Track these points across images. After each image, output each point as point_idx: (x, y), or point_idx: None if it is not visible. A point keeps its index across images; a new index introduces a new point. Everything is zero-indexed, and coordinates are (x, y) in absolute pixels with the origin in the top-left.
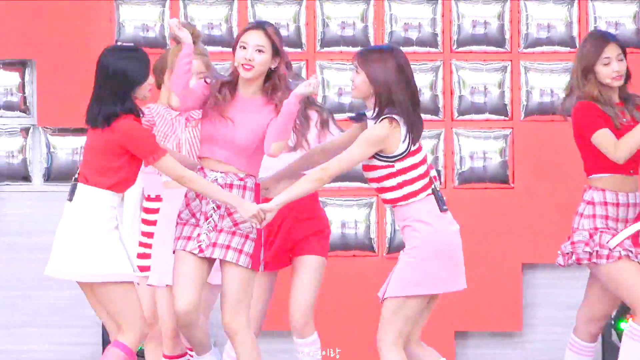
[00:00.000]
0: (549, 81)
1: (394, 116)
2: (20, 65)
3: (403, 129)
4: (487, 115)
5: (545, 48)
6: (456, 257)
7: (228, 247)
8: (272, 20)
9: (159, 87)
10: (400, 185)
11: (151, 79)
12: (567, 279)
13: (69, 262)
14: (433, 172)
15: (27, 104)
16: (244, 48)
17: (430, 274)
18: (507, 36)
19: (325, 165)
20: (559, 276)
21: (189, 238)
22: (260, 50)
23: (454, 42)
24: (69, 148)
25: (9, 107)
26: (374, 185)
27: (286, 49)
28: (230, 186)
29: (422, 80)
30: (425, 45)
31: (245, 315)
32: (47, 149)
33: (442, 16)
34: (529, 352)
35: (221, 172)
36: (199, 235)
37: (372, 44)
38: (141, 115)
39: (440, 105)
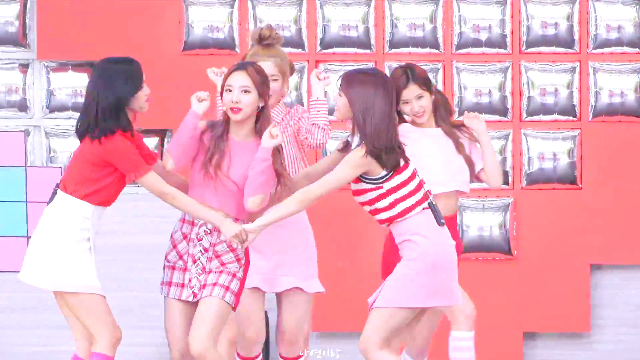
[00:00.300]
0: (617, 82)
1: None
2: (89, 67)
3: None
4: (555, 116)
5: (614, 49)
6: (452, 272)
7: (215, 284)
8: (341, 21)
9: None
10: (392, 205)
11: (146, 90)
12: (636, 280)
13: (39, 269)
14: (426, 186)
15: None
16: (230, 91)
17: (425, 287)
18: (576, 37)
19: (311, 187)
20: (627, 277)
21: (182, 285)
22: (246, 91)
23: (523, 43)
24: None
25: (77, 109)
26: (367, 208)
27: (355, 50)
28: (219, 231)
29: (491, 81)
30: (494, 47)
31: (213, 342)
32: None
33: (512, 17)
34: (598, 353)
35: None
36: (190, 280)
37: (441, 45)
38: (131, 131)
39: (509, 106)
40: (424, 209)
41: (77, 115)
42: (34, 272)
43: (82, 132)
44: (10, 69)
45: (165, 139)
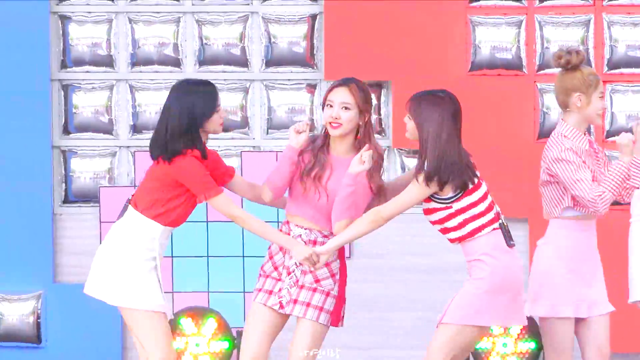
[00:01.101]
0: None
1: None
2: (376, 87)
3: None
4: None
5: None
6: (519, 293)
7: (308, 304)
8: (493, 42)
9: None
10: (462, 225)
11: (223, 113)
12: None
13: (101, 282)
14: (497, 207)
15: (383, 126)
16: (331, 106)
17: (491, 307)
18: None
19: (381, 208)
20: None
21: (270, 292)
22: (346, 108)
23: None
24: None
25: None
26: (437, 227)
27: (506, 71)
28: (314, 242)
29: None
30: None
31: None
32: (402, 170)
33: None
34: None
35: (305, 229)
36: (280, 290)
37: (592, 65)
38: (203, 152)
39: None
40: (494, 229)
41: None
42: (97, 285)
43: (156, 153)
44: (297, 90)
45: None
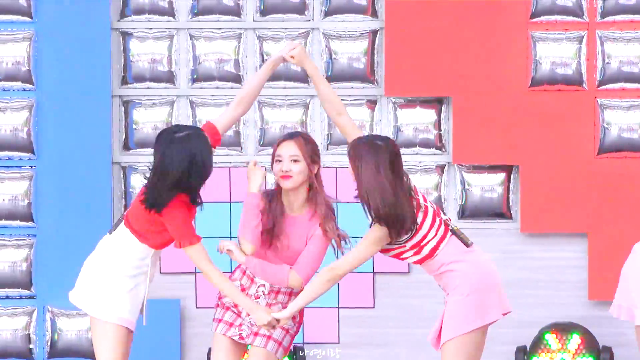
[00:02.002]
0: None
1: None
2: (436, 103)
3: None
4: None
5: None
6: (496, 283)
7: (269, 337)
8: (554, 57)
9: None
10: (419, 251)
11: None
12: None
13: (82, 290)
14: (443, 216)
15: (443, 141)
16: (280, 161)
17: (478, 307)
18: None
19: (336, 266)
20: None
21: (231, 324)
22: (295, 160)
23: None
24: (484, 185)
25: (425, 144)
26: (393, 258)
27: (566, 87)
28: (277, 292)
29: None
30: None
31: None
32: (462, 185)
33: None
34: None
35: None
36: (240, 325)
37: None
38: (198, 203)
39: None
40: (449, 239)
41: (423, 151)
42: (78, 294)
43: (150, 205)
44: (358, 105)
45: (512, 175)
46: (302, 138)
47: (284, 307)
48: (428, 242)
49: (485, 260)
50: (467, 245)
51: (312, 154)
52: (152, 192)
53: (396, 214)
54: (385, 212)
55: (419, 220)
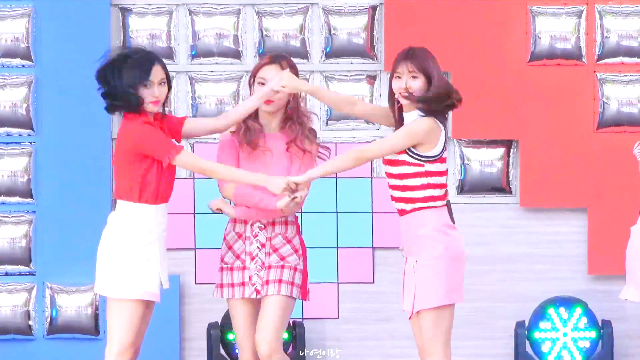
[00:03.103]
0: None
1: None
2: None
3: (443, 132)
4: None
5: None
6: (463, 269)
7: (280, 280)
8: (553, 32)
9: None
10: (423, 187)
11: (155, 91)
12: None
13: (102, 277)
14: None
15: None
16: (262, 84)
17: (454, 284)
18: None
19: (366, 147)
20: None
21: (243, 284)
22: None
23: None
24: (484, 159)
25: None
26: (395, 182)
27: (565, 61)
28: (273, 224)
29: None
30: None
31: (280, 342)
32: (462, 160)
33: None
34: None
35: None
36: (250, 278)
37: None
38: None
39: None
40: (442, 205)
41: None
42: (99, 282)
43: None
44: (357, 81)
45: (511, 150)
46: (286, 62)
47: (284, 238)
48: (435, 186)
49: (462, 241)
50: (453, 221)
51: None
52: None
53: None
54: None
55: (445, 152)
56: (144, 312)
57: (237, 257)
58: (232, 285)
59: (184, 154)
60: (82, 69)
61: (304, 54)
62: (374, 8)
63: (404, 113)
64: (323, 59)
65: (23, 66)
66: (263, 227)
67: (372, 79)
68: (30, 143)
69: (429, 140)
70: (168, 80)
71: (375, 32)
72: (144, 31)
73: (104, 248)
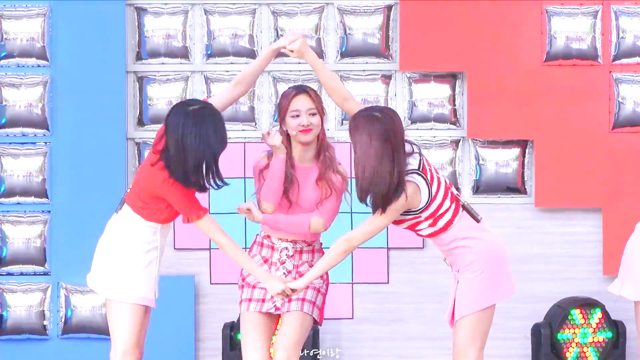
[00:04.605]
0: None
1: (412, 178)
2: (451, 78)
3: (424, 187)
4: None
5: None
6: (506, 258)
7: (304, 300)
8: (569, 32)
9: None
10: (434, 223)
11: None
12: None
13: (98, 274)
14: (454, 190)
15: (457, 116)
16: (298, 116)
17: (491, 284)
18: None
19: (351, 237)
20: None
21: (262, 300)
22: (312, 114)
23: None
24: (499, 160)
25: (440, 119)
26: (408, 231)
27: (581, 61)
28: (301, 252)
29: None
30: None
31: (298, 356)
32: (477, 160)
33: None
34: None
35: (290, 241)
36: (272, 297)
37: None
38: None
39: None
40: (461, 213)
41: (438, 125)
42: (94, 278)
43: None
44: (373, 80)
45: (526, 150)
46: (312, 91)
47: (310, 266)
48: (443, 214)
49: (496, 236)
50: (477, 220)
51: (322, 106)
52: (175, 168)
53: (375, 184)
54: (364, 182)
55: (433, 191)
56: (143, 316)
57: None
58: (250, 300)
59: (204, 221)
60: (97, 69)
61: (319, 54)
62: (389, 8)
63: None
64: (338, 59)
65: (39, 66)
66: (291, 255)
67: (387, 78)
68: (46, 143)
69: (411, 205)
70: None
71: (390, 32)
72: (159, 31)
73: (106, 248)
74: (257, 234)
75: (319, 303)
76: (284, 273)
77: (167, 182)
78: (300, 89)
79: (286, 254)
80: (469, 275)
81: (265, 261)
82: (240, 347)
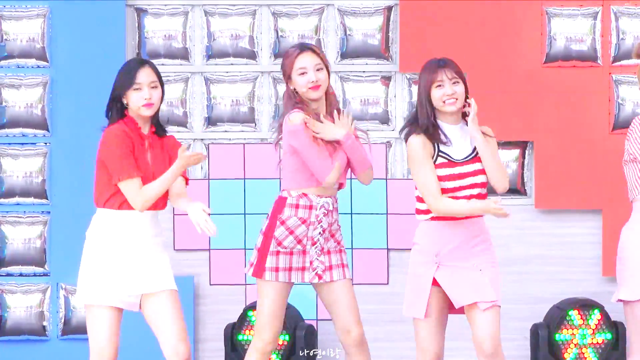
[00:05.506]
0: None
1: None
2: None
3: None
4: None
5: None
6: None
7: (343, 265)
8: (569, 33)
9: None
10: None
11: (145, 93)
12: None
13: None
14: None
15: None
16: (305, 73)
17: None
18: None
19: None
20: None
21: (302, 269)
22: (319, 69)
23: None
24: None
25: None
26: (478, 190)
27: (581, 63)
28: (334, 210)
29: None
30: None
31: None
32: None
33: None
34: None
35: (327, 197)
36: (311, 262)
37: None
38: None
39: None
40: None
41: None
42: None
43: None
44: (372, 82)
45: (526, 151)
46: (316, 47)
47: (338, 225)
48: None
49: None
50: None
51: (327, 61)
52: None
53: None
54: None
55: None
56: (116, 318)
57: (299, 241)
58: (290, 269)
59: (128, 184)
60: (97, 70)
61: None
62: (389, 9)
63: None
64: (338, 60)
65: (38, 67)
66: (327, 213)
67: (387, 79)
68: (45, 144)
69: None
70: (161, 84)
71: (390, 33)
72: (159, 32)
73: (83, 257)
74: (285, 197)
75: (349, 263)
76: (320, 232)
77: (103, 139)
78: (304, 46)
79: (323, 212)
80: (496, 270)
81: (303, 222)
82: (239, 347)
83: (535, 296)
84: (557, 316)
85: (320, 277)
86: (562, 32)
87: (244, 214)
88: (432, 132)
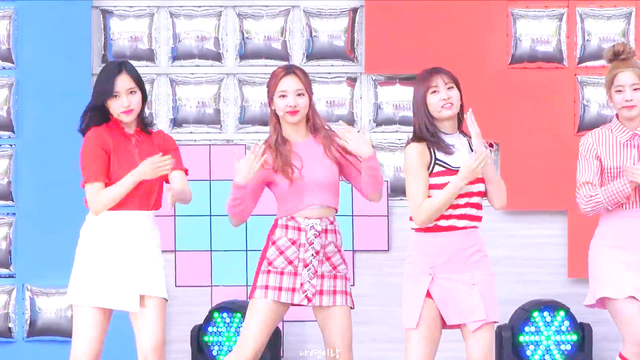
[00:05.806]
0: None
1: None
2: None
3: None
4: None
5: None
6: None
7: (335, 292)
8: (534, 34)
9: None
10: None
11: (124, 101)
12: None
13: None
14: None
15: None
16: (285, 96)
17: None
18: None
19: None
20: None
21: (293, 290)
22: (300, 94)
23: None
24: None
25: (405, 122)
26: (477, 200)
27: (546, 64)
28: (326, 231)
29: None
30: None
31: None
32: None
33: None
34: None
35: (316, 219)
36: (302, 285)
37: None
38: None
39: None
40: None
41: (403, 128)
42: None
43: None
44: (338, 83)
45: (491, 153)
46: (300, 71)
47: (335, 246)
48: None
49: None
50: None
51: (310, 86)
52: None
53: None
54: None
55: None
56: (99, 319)
57: (290, 262)
58: (280, 289)
59: (88, 188)
60: (63, 71)
61: (284, 56)
62: (354, 10)
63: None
64: (304, 61)
65: (4, 68)
66: (318, 234)
67: (352, 81)
68: (11, 145)
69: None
70: (141, 89)
71: (355, 34)
72: (125, 33)
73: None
74: (277, 218)
75: (349, 290)
76: (312, 254)
77: (83, 144)
78: (289, 70)
79: (313, 233)
80: (493, 286)
81: (293, 243)
82: (205, 348)
83: (500, 298)
84: (521, 318)
85: (309, 300)
86: (528, 34)
87: (210, 215)
88: (434, 141)
